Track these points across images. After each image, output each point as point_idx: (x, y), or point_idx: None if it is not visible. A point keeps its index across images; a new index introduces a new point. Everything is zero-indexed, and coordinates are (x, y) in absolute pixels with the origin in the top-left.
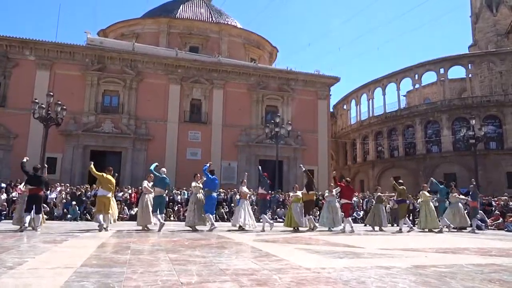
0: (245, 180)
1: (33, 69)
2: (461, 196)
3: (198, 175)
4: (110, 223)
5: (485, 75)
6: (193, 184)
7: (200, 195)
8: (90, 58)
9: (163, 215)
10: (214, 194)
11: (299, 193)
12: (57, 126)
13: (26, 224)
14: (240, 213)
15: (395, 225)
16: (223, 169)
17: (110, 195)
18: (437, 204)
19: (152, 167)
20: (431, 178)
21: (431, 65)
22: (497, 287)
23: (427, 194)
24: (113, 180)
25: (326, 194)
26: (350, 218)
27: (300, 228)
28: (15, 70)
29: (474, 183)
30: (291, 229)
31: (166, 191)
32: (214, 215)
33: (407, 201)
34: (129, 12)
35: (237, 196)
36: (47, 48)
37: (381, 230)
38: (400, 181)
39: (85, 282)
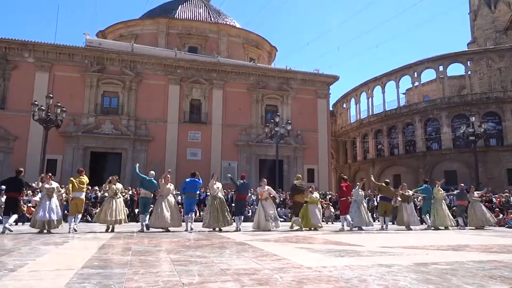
0: (264, 180)
1: (32, 71)
2: (450, 192)
3: (215, 174)
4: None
5: (484, 72)
6: (216, 185)
7: (220, 196)
8: (89, 59)
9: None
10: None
11: (316, 194)
12: (57, 128)
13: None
14: (256, 215)
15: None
16: (223, 169)
17: (82, 196)
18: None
19: (136, 169)
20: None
21: (430, 63)
22: (499, 283)
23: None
24: (84, 180)
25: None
26: (348, 216)
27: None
28: (14, 72)
29: (462, 185)
30: (307, 229)
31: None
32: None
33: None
34: (127, 13)
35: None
36: (46, 50)
37: (408, 228)
38: (386, 180)
39: (86, 284)
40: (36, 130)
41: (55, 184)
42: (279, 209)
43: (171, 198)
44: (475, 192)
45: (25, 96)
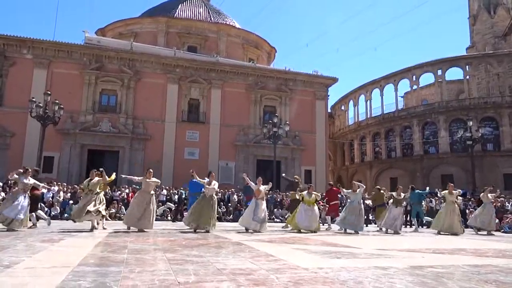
0: (260, 179)
1: (30, 68)
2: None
3: (213, 173)
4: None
5: (483, 76)
6: (211, 185)
7: (213, 196)
8: (88, 57)
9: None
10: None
11: (314, 195)
12: (54, 125)
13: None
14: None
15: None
16: (221, 169)
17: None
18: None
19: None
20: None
21: (428, 67)
22: (493, 287)
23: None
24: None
25: (349, 193)
26: (329, 217)
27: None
28: (12, 69)
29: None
30: (294, 230)
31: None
32: None
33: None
34: (127, 11)
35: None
36: (45, 47)
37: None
38: (377, 187)
39: (82, 282)
40: (33, 127)
41: (32, 181)
42: (275, 209)
43: (151, 196)
44: (489, 194)
45: (22, 92)
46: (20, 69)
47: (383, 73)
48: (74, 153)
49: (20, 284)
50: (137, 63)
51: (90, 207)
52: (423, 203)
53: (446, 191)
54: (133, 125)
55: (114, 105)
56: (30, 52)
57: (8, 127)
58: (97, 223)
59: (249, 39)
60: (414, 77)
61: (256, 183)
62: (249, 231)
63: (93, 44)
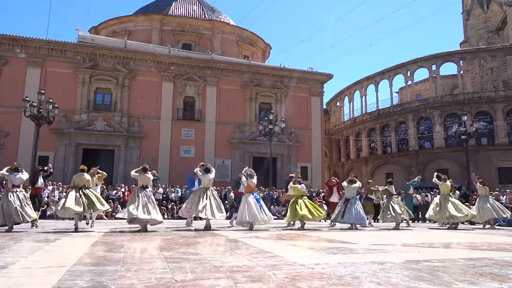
0: (248, 172)
1: (23, 67)
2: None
3: (212, 169)
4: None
5: (476, 71)
6: (210, 176)
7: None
8: (81, 55)
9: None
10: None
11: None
12: (48, 124)
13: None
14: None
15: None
16: (217, 166)
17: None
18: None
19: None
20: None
21: (423, 62)
22: (489, 280)
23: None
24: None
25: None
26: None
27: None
28: (5, 68)
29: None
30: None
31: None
32: None
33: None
34: (121, 9)
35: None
36: (38, 46)
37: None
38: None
39: (79, 281)
40: (27, 126)
41: (25, 176)
42: (272, 206)
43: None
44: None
45: (16, 92)
46: (13, 68)
47: (378, 69)
48: (69, 152)
49: (16, 284)
50: (131, 61)
51: (71, 204)
52: (418, 197)
53: (440, 181)
54: (128, 123)
55: (108, 103)
56: (23, 51)
57: (2, 127)
58: (89, 222)
59: (244, 36)
60: (408, 72)
61: (247, 178)
62: (259, 224)
63: (86, 43)
